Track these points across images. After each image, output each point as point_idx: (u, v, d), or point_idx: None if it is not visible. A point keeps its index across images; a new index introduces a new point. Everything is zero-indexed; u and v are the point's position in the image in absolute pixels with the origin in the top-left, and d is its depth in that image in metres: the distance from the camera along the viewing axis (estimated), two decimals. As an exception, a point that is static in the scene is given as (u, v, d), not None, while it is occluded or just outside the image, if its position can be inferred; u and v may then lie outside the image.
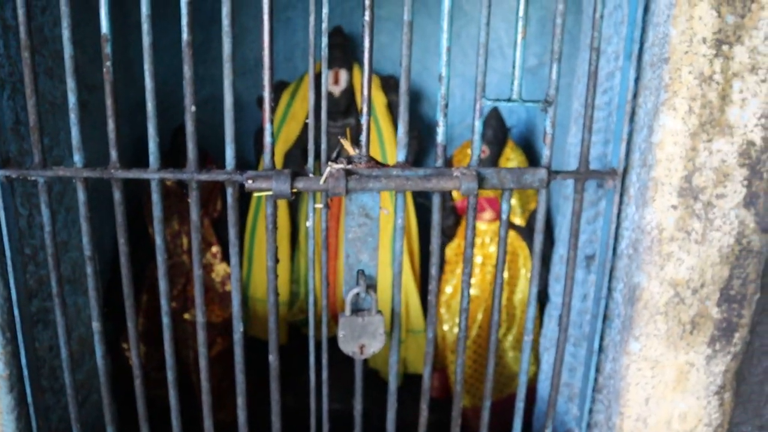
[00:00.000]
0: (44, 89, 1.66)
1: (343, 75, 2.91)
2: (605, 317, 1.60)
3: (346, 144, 1.28)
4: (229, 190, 1.30)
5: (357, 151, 1.28)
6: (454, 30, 3.35)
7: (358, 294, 1.34)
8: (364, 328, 1.34)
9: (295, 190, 1.24)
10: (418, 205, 3.15)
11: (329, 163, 1.26)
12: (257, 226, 3.03)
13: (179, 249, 2.86)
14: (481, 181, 1.30)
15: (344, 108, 2.94)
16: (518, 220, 2.92)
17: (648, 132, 1.40)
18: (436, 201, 1.33)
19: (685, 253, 1.45)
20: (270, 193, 1.24)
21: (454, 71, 3.38)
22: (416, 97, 3.41)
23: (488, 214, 2.95)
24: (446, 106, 1.27)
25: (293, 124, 2.97)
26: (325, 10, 1.20)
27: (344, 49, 2.93)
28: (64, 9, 1.23)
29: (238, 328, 1.41)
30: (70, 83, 1.27)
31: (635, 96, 1.44)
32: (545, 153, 1.37)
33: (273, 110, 1.25)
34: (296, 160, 2.95)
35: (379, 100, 2.97)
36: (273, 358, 1.42)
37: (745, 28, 1.33)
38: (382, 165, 1.30)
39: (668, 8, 1.32)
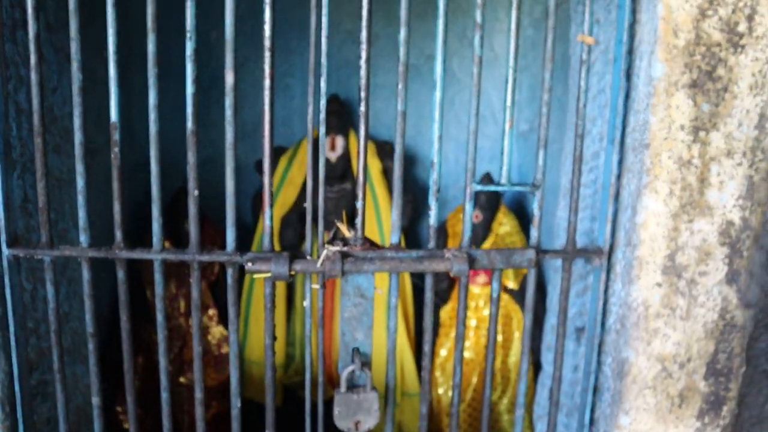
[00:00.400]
0: (52, 165, 1.73)
1: (339, 141, 3.00)
2: (596, 390, 1.63)
3: (342, 227, 1.33)
4: (230, 271, 1.35)
5: (352, 233, 1.34)
6: (447, 96, 3.45)
7: (353, 371, 1.37)
8: (360, 405, 1.37)
9: (293, 273, 1.29)
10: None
11: (326, 245, 1.31)
12: (254, 287, 3.06)
13: (176, 312, 2.89)
14: (472, 262, 1.36)
15: (340, 173, 3.02)
16: (511, 284, 2.97)
17: (632, 212, 1.46)
18: (428, 281, 1.38)
19: (671, 328, 1.49)
20: (269, 275, 1.29)
21: (448, 135, 3.47)
22: (410, 161, 3.49)
23: (481, 278, 3.00)
24: (438, 191, 1.34)
25: (290, 188, 3.04)
26: (323, 79, 1.27)
27: (340, 116, 3.02)
28: (77, 99, 1.30)
29: (236, 404, 1.44)
30: (79, 167, 1.33)
31: (619, 177, 1.51)
32: (533, 234, 1.43)
33: (271, 178, 1.31)
34: (293, 225, 3.00)
35: (375, 166, 3.05)
36: (269, 433, 1.45)
37: (720, 115, 1.41)
38: (376, 246, 1.35)
39: (647, 97, 1.40)
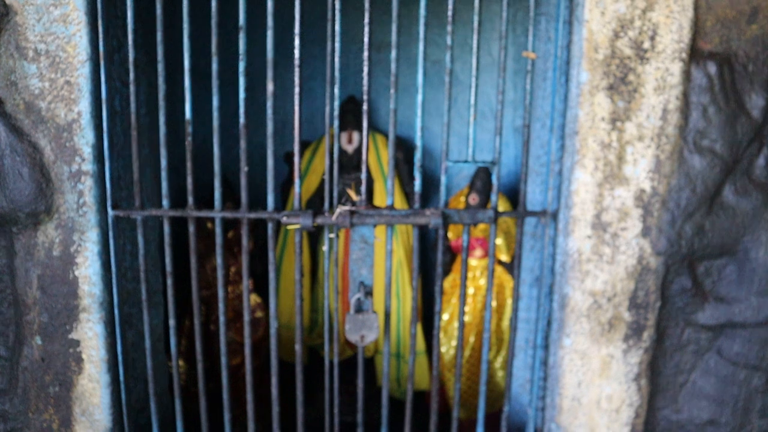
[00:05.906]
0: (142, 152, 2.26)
1: (355, 136, 3.51)
2: (549, 323, 2.12)
3: (351, 193, 1.85)
4: (270, 225, 1.87)
5: (359, 197, 1.85)
6: (451, 96, 3.95)
7: (359, 299, 1.88)
8: (364, 323, 1.88)
9: (315, 225, 1.80)
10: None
11: (338, 205, 1.83)
12: (284, 261, 3.58)
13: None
14: (446, 218, 1.86)
15: (356, 163, 3.53)
16: (504, 257, 3.45)
17: (568, 183, 1.95)
18: (415, 233, 1.88)
19: (599, 270, 1.98)
20: (298, 226, 1.80)
21: (452, 131, 3.97)
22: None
23: (479, 252, 3.49)
24: (422, 167, 1.84)
25: (313, 177, 3.56)
26: (336, 86, 1.78)
27: (356, 114, 3.53)
28: (162, 104, 1.83)
29: (275, 365, 1.96)
30: (163, 152, 1.86)
31: (561, 158, 2.00)
32: (493, 198, 1.93)
33: (299, 168, 1.82)
34: (316, 206, 3.52)
35: (387, 156, 3.55)
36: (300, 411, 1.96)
37: (632, 110, 1.89)
38: (376, 207, 1.86)
39: (577, 97, 1.89)
